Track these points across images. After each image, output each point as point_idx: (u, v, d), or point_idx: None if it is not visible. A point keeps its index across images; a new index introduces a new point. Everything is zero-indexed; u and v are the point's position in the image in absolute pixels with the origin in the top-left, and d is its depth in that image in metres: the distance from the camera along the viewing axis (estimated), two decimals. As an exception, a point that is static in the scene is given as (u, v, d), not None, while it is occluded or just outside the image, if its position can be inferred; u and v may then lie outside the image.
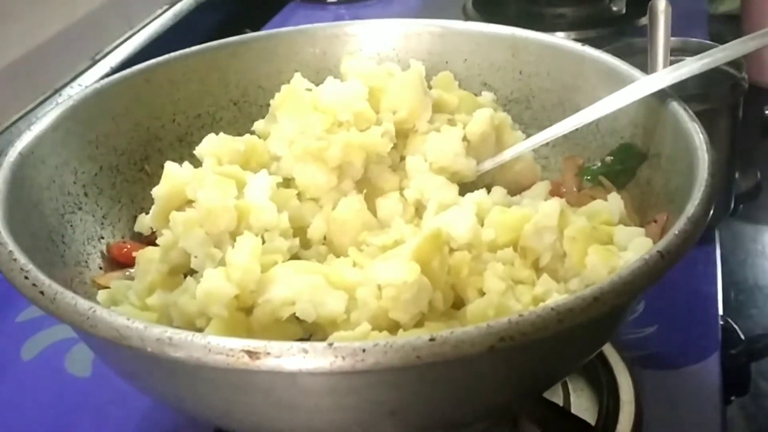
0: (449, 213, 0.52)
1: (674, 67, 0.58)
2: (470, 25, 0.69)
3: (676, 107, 0.56)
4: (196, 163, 0.58)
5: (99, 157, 0.60)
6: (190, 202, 0.55)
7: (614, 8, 1.17)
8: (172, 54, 0.65)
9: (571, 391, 0.62)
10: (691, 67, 0.57)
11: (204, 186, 0.52)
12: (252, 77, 0.68)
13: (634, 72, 0.61)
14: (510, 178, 0.62)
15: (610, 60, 0.63)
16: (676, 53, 0.83)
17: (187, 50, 0.66)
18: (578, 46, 0.65)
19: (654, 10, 0.83)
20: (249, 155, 0.58)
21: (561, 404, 0.61)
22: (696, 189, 0.48)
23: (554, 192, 0.60)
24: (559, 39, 0.66)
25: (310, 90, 0.60)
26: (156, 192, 0.56)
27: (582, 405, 0.61)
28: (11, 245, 0.45)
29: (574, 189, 0.62)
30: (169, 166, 0.55)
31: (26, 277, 0.43)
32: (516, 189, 0.62)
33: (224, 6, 1.19)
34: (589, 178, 0.62)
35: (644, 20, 1.06)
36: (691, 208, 0.46)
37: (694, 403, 0.63)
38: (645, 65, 0.79)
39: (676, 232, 0.45)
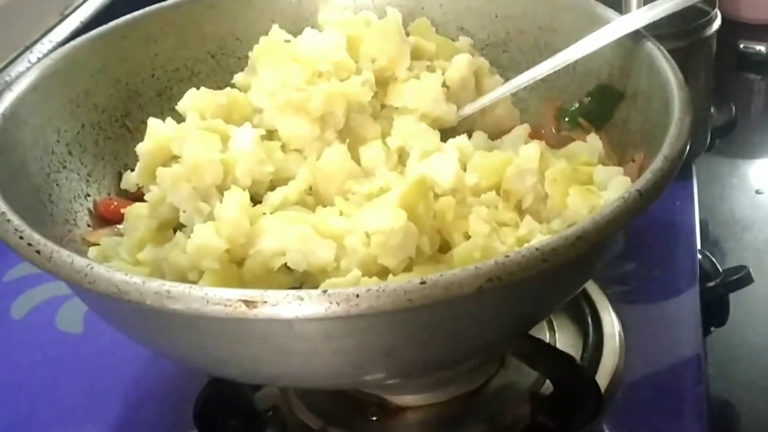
0: (432, 159, 0.53)
1: (648, 6, 0.59)
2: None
3: (651, 47, 0.56)
4: (178, 117, 0.58)
5: (80, 115, 0.60)
6: (174, 158, 0.55)
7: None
8: (148, 9, 0.65)
9: (556, 328, 0.64)
10: (664, 6, 0.58)
11: (189, 141, 0.52)
12: (229, 29, 0.68)
13: (610, 13, 0.61)
14: (490, 122, 0.63)
15: (585, 1, 0.63)
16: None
17: (162, 4, 0.65)
18: (552, -12, 0.65)
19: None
20: (231, 109, 0.58)
21: (547, 341, 0.63)
22: (672, 127, 0.49)
23: (534, 135, 0.61)
24: (534, -19, 0.66)
25: (288, 41, 0.60)
26: (140, 149, 0.56)
27: (567, 341, 0.63)
28: (3, 206, 0.46)
29: (553, 131, 0.63)
30: (152, 123, 0.56)
31: (21, 237, 0.44)
32: (496, 133, 0.63)
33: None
34: (567, 119, 0.63)
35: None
36: (668, 146, 0.47)
37: (675, 335, 0.65)
38: (620, 4, 0.80)
39: (654, 171, 0.46)
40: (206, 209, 0.52)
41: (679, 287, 0.69)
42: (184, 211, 0.52)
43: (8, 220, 0.44)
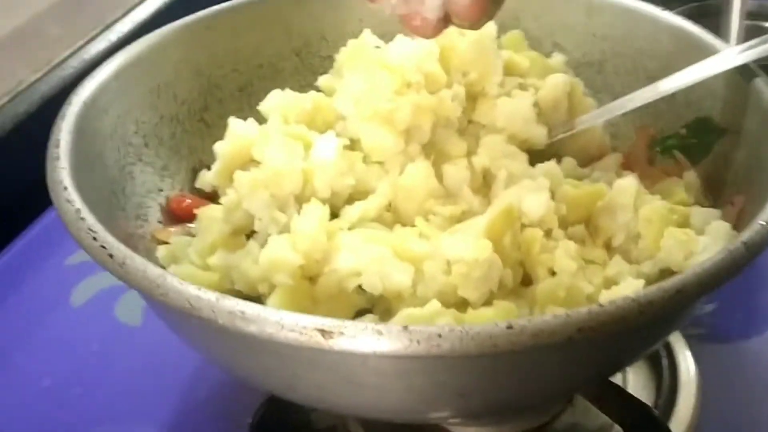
0: (522, 187, 0.50)
1: (761, 39, 0.55)
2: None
3: (761, 85, 0.53)
4: (257, 115, 0.57)
5: (160, 106, 0.58)
6: (252, 161, 0.53)
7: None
8: (235, 1, 0.63)
9: (628, 369, 0.61)
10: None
11: (271, 147, 0.51)
12: (315, 27, 0.65)
13: (715, 41, 0.58)
14: (578, 146, 0.60)
15: (688, 27, 0.60)
16: (753, 18, 0.80)
17: (250, -3, 0.64)
18: (656, 11, 0.62)
19: (731, -30, 0.80)
20: (315, 113, 0.56)
21: (618, 382, 0.60)
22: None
23: (625, 165, 0.58)
24: (637, 2, 0.63)
25: (378, 47, 0.58)
26: (219, 148, 0.55)
27: (639, 383, 0.60)
28: (78, 202, 0.44)
29: (646, 162, 0.60)
30: (233, 123, 0.54)
31: (94, 239, 0.42)
32: (584, 157, 0.60)
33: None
34: (661, 150, 0.60)
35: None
36: (777, 197, 0.44)
37: (757, 380, 0.62)
38: (718, 29, 0.76)
39: (762, 223, 0.43)
40: (282, 219, 0.50)
41: (762, 329, 0.66)
42: (259, 219, 0.50)
43: (82, 218, 0.43)
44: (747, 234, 0.42)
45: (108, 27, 0.89)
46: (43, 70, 0.82)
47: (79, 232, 0.43)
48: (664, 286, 0.39)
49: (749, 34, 0.77)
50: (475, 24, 0.47)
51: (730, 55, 0.55)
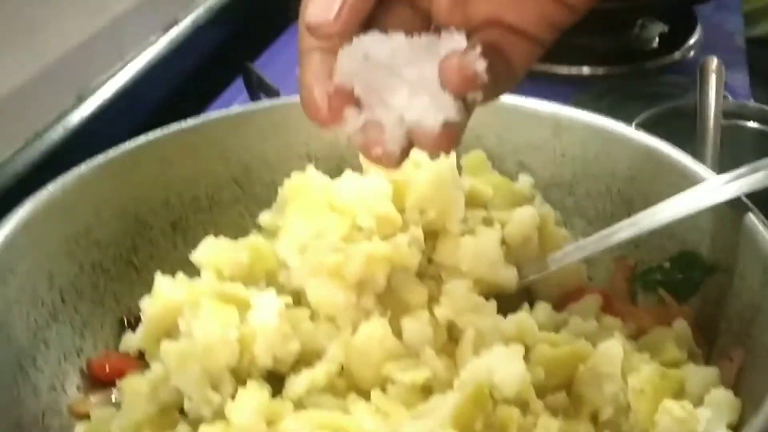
0: (493, 356, 0.43)
1: (751, 168, 0.50)
2: (505, 98, 0.60)
3: (754, 223, 0.48)
4: (190, 252, 0.50)
5: (79, 255, 0.52)
6: (184, 323, 0.47)
7: (645, 41, 1.07)
8: (164, 129, 0.56)
9: None
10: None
11: (201, 318, 0.44)
12: (256, 151, 0.59)
13: (699, 168, 0.52)
14: (553, 283, 0.54)
15: (666, 149, 0.54)
16: (731, 117, 0.75)
17: (181, 124, 0.57)
18: (629, 131, 0.56)
19: (705, 69, 0.75)
20: (254, 264, 0.50)
21: None
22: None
23: (606, 306, 0.52)
24: (610, 121, 0.57)
25: (324, 184, 0.52)
26: (145, 307, 0.48)
27: None
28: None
29: (628, 300, 0.54)
30: (160, 283, 0.47)
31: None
32: (559, 293, 0.54)
33: (223, 28, 1.09)
34: (643, 286, 0.54)
35: (678, 54, 0.99)
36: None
37: None
38: (693, 130, 0.71)
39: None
40: (216, 399, 0.43)
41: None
42: (189, 399, 0.43)
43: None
44: None
45: (38, 135, 0.82)
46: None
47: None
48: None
49: (726, 133, 0.73)
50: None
51: (716, 185, 0.50)
